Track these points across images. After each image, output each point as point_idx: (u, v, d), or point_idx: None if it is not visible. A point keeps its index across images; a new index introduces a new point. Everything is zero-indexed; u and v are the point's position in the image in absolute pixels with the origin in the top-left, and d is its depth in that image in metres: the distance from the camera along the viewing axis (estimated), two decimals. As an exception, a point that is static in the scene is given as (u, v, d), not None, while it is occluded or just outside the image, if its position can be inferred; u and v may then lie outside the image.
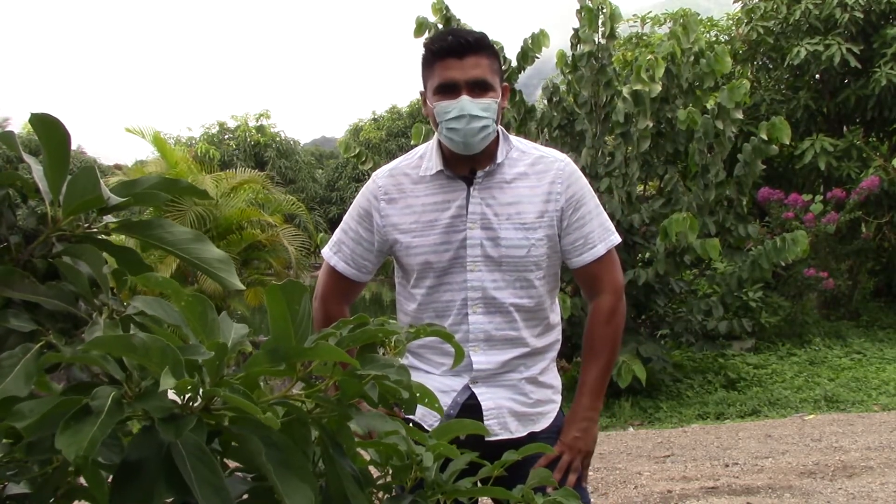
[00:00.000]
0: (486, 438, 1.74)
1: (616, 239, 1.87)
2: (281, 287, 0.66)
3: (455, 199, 1.81)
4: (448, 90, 1.74)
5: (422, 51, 1.81)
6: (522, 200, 1.80)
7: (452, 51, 1.73)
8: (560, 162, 1.84)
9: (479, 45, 1.74)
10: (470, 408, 1.79)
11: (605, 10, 7.24)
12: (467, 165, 1.82)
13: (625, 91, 7.03)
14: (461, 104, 1.73)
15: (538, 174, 1.82)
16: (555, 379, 1.92)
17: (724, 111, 6.96)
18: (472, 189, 1.80)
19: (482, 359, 1.80)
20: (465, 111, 1.72)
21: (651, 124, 7.06)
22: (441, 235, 1.80)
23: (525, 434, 1.82)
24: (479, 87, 1.74)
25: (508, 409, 1.82)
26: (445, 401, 1.80)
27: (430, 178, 1.83)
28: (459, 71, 1.73)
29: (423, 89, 1.84)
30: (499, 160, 1.81)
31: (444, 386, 1.81)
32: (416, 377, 1.81)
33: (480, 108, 1.73)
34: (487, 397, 1.81)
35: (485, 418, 1.78)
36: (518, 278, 1.80)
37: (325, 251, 1.96)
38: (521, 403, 1.83)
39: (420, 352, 1.89)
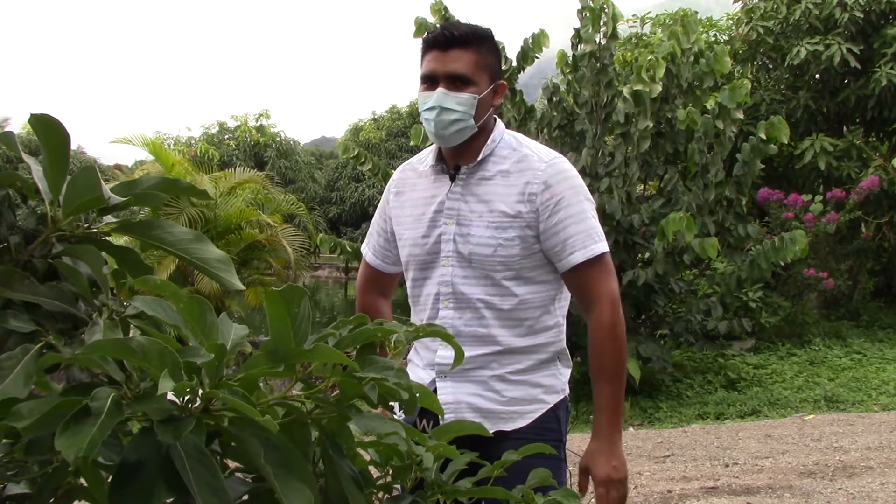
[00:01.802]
0: None
1: (598, 249, 1.76)
2: (280, 292, 0.66)
3: (439, 195, 1.84)
4: (428, 81, 1.79)
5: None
6: (495, 199, 1.78)
7: (437, 43, 1.77)
8: (542, 163, 1.78)
9: (465, 40, 1.76)
10: None
11: (607, 10, 7.25)
12: (455, 161, 1.84)
13: (625, 91, 7.03)
14: (436, 96, 1.76)
15: (518, 172, 1.79)
16: (548, 378, 1.86)
17: (724, 111, 6.96)
18: (452, 185, 1.83)
19: (447, 353, 1.81)
20: (438, 103, 1.76)
21: (651, 124, 7.06)
22: (424, 229, 1.84)
23: (492, 432, 1.77)
24: (457, 81, 1.76)
25: (469, 404, 1.80)
26: None
27: (426, 172, 1.89)
28: (440, 63, 1.77)
29: None
30: (480, 157, 1.81)
31: (418, 379, 1.81)
32: None
33: (455, 102, 1.75)
34: (448, 392, 1.81)
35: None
36: (486, 276, 1.79)
37: (363, 244, 2.10)
38: (489, 400, 1.80)
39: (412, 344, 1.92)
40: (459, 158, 1.84)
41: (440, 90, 1.76)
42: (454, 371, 1.81)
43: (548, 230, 1.76)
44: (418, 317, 1.89)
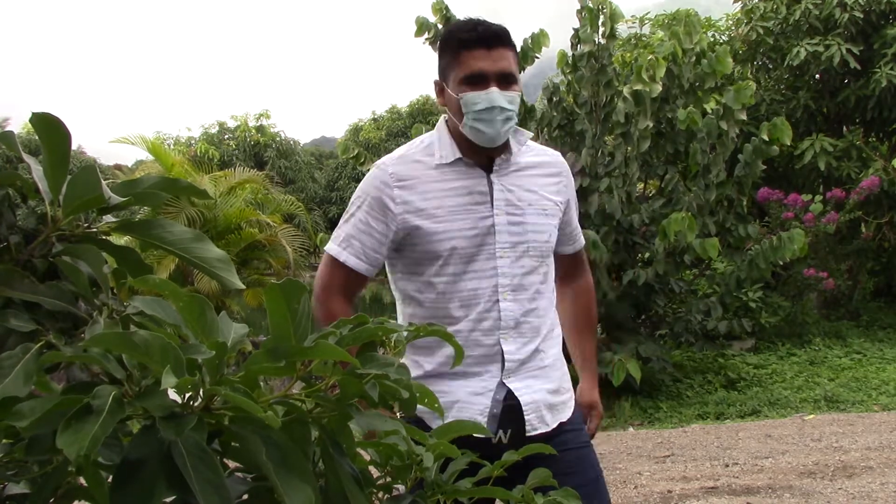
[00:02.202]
0: (527, 434, 1.76)
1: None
2: (280, 286, 0.66)
3: (476, 186, 1.79)
4: (477, 81, 1.73)
5: (447, 38, 1.79)
6: (539, 188, 1.86)
7: (482, 41, 1.72)
8: (559, 157, 1.96)
9: (506, 37, 1.76)
10: (508, 407, 1.76)
11: (605, 10, 7.24)
12: (483, 154, 1.81)
13: (625, 91, 7.02)
14: (491, 96, 1.72)
15: (546, 166, 1.90)
16: (564, 365, 1.94)
17: (728, 112, 6.96)
18: (492, 176, 1.80)
19: (512, 347, 1.78)
20: (495, 103, 1.72)
21: (651, 124, 7.06)
22: (468, 221, 1.77)
23: (556, 425, 1.83)
24: (506, 80, 1.74)
25: (542, 401, 1.81)
26: (485, 402, 1.75)
27: (447, 165, 1.79)
28: (489, 62, 1.72)
29: (437, 79, 1.83)
30: (514, 149, 1.83)
31: (479, 388, 1.77)
32: (451, 386, 1.82)
33: (507, 101, 1.73)
34: (524, 392, 1.79)
35: (525, 414, 1.77)
36: (541, 263, 1.84)
37: (333, 248, 1.84)
38: (551, 392, 1.83)
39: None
40: (489, 151, 1.81)
41: (494, 90, 1.72)
42: (516, 367, 1.79)
43: (566, 216, 1.95)
44: (460, 313, 1.77)
